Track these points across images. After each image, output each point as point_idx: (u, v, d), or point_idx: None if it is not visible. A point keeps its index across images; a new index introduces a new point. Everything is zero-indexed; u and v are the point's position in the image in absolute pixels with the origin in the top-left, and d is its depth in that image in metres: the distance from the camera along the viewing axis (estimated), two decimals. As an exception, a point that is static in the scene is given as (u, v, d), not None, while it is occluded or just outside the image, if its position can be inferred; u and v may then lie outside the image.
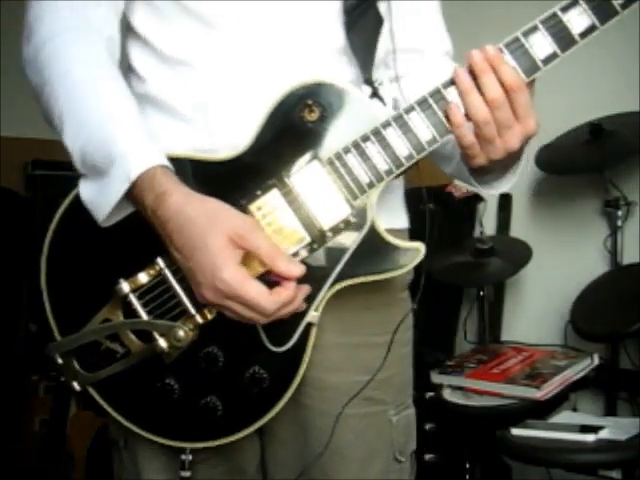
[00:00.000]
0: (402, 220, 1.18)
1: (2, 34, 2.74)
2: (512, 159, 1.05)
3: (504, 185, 1.12)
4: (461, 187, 2.61)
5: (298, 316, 1.01)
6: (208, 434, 1.06)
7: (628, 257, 2.47)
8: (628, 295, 2.25)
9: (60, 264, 1.08)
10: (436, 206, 2.45)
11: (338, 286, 1.02)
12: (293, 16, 1.07)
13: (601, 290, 2.38)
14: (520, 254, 2.44)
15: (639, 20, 2.28)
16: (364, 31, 1.09)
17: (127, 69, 1.14)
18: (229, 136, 1.05)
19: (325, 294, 1.02)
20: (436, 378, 2.23)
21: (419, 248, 1.03)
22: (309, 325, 1.02)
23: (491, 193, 1.14)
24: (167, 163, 0.98)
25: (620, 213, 2.47)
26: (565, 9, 0.97)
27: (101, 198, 0.99)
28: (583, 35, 0.98)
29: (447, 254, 2.54)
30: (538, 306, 2.70)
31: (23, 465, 2.57)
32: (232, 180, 1.02)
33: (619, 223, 2.47)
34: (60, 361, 1.07)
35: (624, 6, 0.97)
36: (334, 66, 1.08)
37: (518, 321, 2.72)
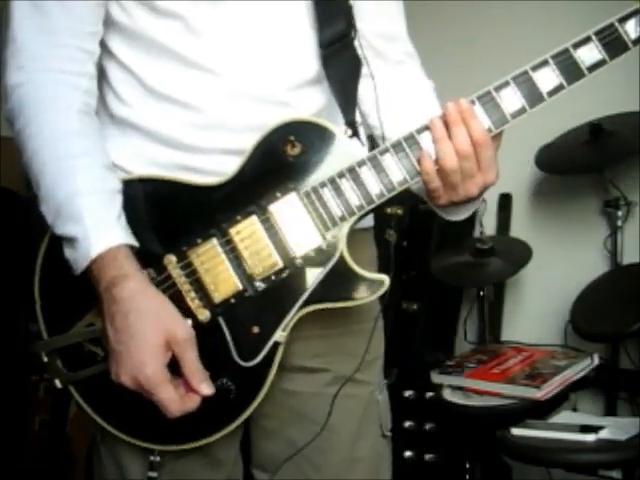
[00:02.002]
0: (367, 219, 1.22)
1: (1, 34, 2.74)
2: (470, 202, 1.12)
3: (460, 216, 1.18)
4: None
5: (267, 334, 1.08)
6: (177, 438, 1.12)
7: (628, 257, 2.47)
8: (628, 295, 2.25)
9: (52, 271, 1.14)
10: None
11: (306, 310, 1.08)
12: (268, 43, 1.11)
13: (601, 290, 2.38)
14: (520, 254, 2.43)
15: (639, 20, 2.28)
16: (343, 71, 1.15)
17: (103, 82, 1.16)
18: (213, 160, 1.11)
19: (293, 317, 1.08)
20: (436, 378, 2.23)
21: (383, 280, 1.09)
22: (276, 345, 1.08)
23: (447, 218, 1.19)
24: (129, 241, 1.05)
25: (620, 213, 2.47)
26: (536, 68, 1.05)
27: (72, 261, 1.06)
28: (551, 93, 1.06)
29: (447, 254, 2.54)
30: (538, 306, 2.70)
31: (23, 465, 2.56)
32: (216, 204, 1.09)
33: (619, 223, 2.48)
34: (45, 359, 1.13)
35: (590, 70, 1.06)
36: (305, 93, 1.14)
37: (518, 321, 2.72)
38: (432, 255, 2.53)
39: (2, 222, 2.63)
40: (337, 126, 1.11)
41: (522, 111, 1.06)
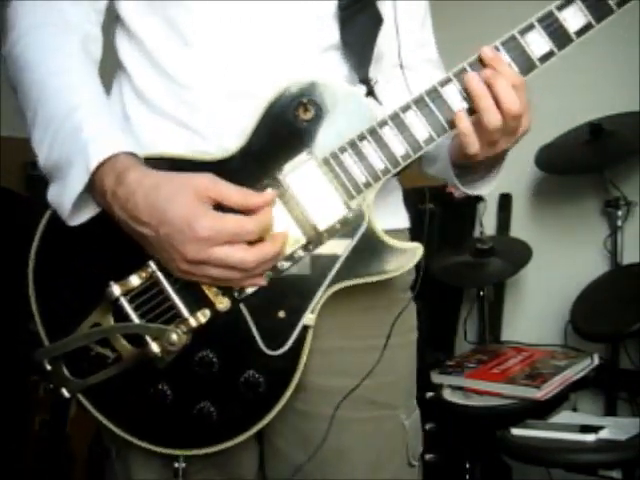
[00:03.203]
0: (402, 220, 1.16)
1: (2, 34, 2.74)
2: (502, 155, 1.04)
3: (487, 187, 1.11)
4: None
5: (294, 318, 1.00)
6: (203, 440, 1.03)
7: (628, 257, 2.47)
8: (628, 295, 2.26)
9: (49, 267, 1.05)
10: (436, 206, 2.45)
11: (335, 288, 1.00)
12: (286, 13, 1.05)
13: (601, 290, 2.38)
14: (520, 254, 2.44)
15: (639, 20, 2.29)
16: (361, 29, 1.07)
17: (118, 66, 1.12)
18: (220, 137, 1.03)
19: (322, 296, 1.00)
20: (436, 378, 2.23)
21: (417, 248, 1.01)
22: (305, 328, 1.00)
23: (473, 193, 1.13)
24: (130, 150, 0.96)
25: (620, 213, 2.47)
26: (561, 8, 0.98)
27: (64, 193, 0.97)
28: (579, 33, 0.98)
29: (447, 254, 2.54)
30: (538, 306, 2.70)
31: (23, 465, 2.56)
32: (226, 180, 0.98)
33: (619, 223, 2.48)
34: (49, 367, 1.04)
35: (619, 5, 0.98)
36: (325, 63, 1.06)
37: (518, 321, 2.72)
38: (432, 255, 2.53)
39: (2, 222, 2.63)
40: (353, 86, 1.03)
41: (550, 54, 0.98)
